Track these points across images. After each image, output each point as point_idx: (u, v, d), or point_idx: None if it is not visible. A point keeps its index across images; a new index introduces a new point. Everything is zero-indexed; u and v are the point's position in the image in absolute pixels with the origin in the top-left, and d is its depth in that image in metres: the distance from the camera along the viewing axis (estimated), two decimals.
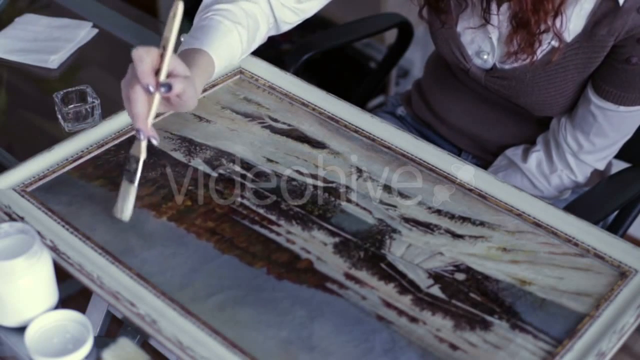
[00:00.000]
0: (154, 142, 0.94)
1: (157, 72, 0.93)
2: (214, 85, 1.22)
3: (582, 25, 1.13)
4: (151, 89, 0.91)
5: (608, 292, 0.94)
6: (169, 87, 0.92)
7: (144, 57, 0.91)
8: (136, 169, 0.95)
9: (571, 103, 1.24)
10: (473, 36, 1.23)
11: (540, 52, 1.17)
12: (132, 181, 0.96)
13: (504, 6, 1.15)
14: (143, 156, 0.95)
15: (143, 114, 0.92)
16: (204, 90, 1.21)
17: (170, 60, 0.93)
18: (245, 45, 1.15)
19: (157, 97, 0.93)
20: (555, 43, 1.14)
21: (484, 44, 1.23)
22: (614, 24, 1.10)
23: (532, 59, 1.17)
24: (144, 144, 0.95)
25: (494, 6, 1.16)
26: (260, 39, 1.20)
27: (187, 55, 1.06)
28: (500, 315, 0.92)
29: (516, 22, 1.13)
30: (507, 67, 1.22)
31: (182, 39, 1.14)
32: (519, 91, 1.24)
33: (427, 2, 1.24)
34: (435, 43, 1.32)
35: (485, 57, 1.24)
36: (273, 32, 1.23)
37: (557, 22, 1.11)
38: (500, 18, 1.18)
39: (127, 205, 0.98)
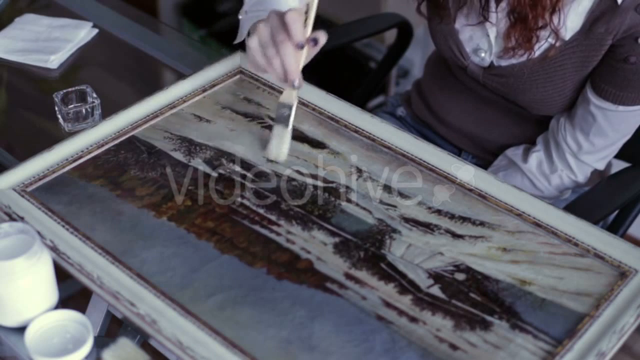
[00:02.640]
0: (299, 86, 1.05)
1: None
2: (214, 85, 1.22)
3: (580, 23, 1.14)
4: (302, 44, 1.03)
5: (608, 292, 0.94)
6: (315, 41, 1.04)
7: (298, 18, 1.02)
8: (289, 114, 1.08)
9: (569, 102, 1.24)
10: (471, 33, 1.24)
11: (538, 49, 1.17)
12: (286, 125, 1.08)
13: (503, 3, 1.16)
14: (296, 101, 1.08)
15: (297, 66, 1.03)
16: (204, 90, 1.21)
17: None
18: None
19: (305, 50, 1.04)
20: (552, 40, 1.15)
21: (481, 41, 1.23)
22: (611, 22, 1.10)
23: (529, 55, 1.17)
24: (296, 92, 1.08)
25: (492, 3, 1.16)
26: None
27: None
28: (500, 315, 0.92)
29: (514, 17, 1.14)
30: (504, 64, 1.23)
31: (240, 17, 1.21)
32: (516, 89, 1.24)
33: None
34: (433, 39, 1.32)
35: (482, 54, 1.24)
36: None
37: (555, 19, 1.11)
38: (498, 16, 1.18)
39: (283, 147, 1.09)
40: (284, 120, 1.08)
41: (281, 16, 1.03)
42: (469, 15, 1.22)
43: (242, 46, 1.31)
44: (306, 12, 1.04)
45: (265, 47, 1.04)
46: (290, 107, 1.08)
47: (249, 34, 1.10)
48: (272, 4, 1.17)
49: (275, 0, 1.18)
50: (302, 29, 1.02)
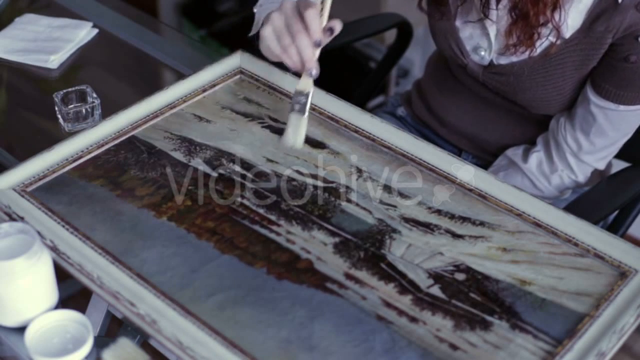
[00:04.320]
0: (316, 75, 1.07)
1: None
2: (214, 85, 1.22)
3: (580, 21, 1.14)
4: (320, 42, 1.05)
5: (608, 292, 0.94)
6: (332, 30, 1.07)
7: (315, 16, 1.05)
8: (306, 102, 1.09)
9: (569, 101, 1.24)
10: (471, 31, 1.24)
11: (539, 46, 1.17)
12: (303, 112, 1.09)
13: (504, 0, 1.16)
14: (312, 89, 1.09)
15: (313, 56, 1.06)
16: (204, 90, 1.21)
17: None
18: None
19: None
20: (553, 38, 1.15)
21: (481, 39, 1.23)
22: (611, 20, 1.10)
23: (531, 52, 1.17)
24: (311, 81, 1.09)
25: (493, 0, 1.16)
26: None
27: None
28: (500, 315, 0.92)
29: (516, 14, 1.14)
30: (504, 62, 1.22)
31: (255, 10, 1.22)
32: (516, 87, 1.24)
33: None
34: (433, 37, 1.32)
35: (482, 53, 1.24)
36: None
37: (556, 16, 1.11)
38: (499, 13, 1.18)
39: (300, 134, 1.10)
40: (301, 108, 1.09)
41: (295, 6, 1.04)
42: (469, 13, 1.22)
43: (242, 46, 1.31)
44: (321, 2, 1.07)
45: (280, 36, 1.06)
46: (307, 95, 1.09)
47: (262, 25, 1.11)
48: None
49: None
50: (320, 26, 1.04)
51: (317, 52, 1.06)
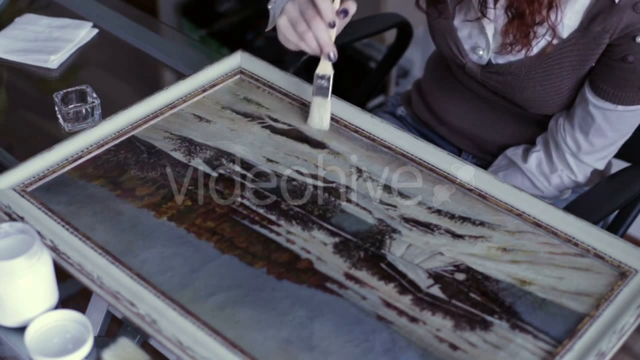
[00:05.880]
0: (335, 58, 1.11)
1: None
2: (214, 85, 1.22)
3: (577, 21, 1.14)
4: (334, 23, 1.08)
5: (608, 292, 0.94)
6: (346, 12, 1.09)
7: None
8: (328, 85, 1.13)
9: (567, 101, 1.24)
10: (469, 30, 1.24)
11: (535, 45, 1.17)
12: (326, 96, 1.13)
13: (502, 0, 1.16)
14: (332, 72, 1.13)
15: (330, 39, 1.09)
16: (204, 90, 1.21)
17: None
18: None
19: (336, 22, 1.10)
20: (549, 37, 1.15)
21: (479, 39, 1.23)
22: (608, 20, 1.10)
23: (527, 51, 1.17)
24: (330, 64, 1.12)
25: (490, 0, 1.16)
26: None
27: None
28: (500, 315, 0.92)
29: (512, 12, 1.14)
30: (502, 61, 1.23)
31: (269, 7, 1.24)
32: (514, 87, 1.24)
33: None
34: (432, 37, 1.32)
35: (480, 52, 1.24)
36: None
37: (552, 15, 1.11)
38: (497, 12, 1.18)
39: (325, 116, 1.15)
40: (323, 92, 1.13)
41: None
42: (467, 11, 1.22)
43: (242, 46, 1.31)
44: None
45: (295, 24, 1.09)
46: (328, 79, 1.12)
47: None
48: None
49: None
50: (331, 7, 1.06)
51: (334, 34, 1.09)
